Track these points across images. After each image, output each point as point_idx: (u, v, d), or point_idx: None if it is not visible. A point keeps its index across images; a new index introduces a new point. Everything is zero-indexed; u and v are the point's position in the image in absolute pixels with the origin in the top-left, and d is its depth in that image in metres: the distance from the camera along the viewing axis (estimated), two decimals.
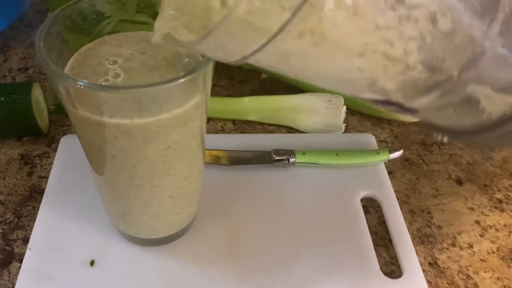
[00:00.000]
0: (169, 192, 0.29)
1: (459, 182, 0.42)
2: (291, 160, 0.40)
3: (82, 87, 0.22)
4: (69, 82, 0.22)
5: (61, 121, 0.45)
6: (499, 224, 0.38)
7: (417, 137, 0.46)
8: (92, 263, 0.33)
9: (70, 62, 0.26)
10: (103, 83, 0.25)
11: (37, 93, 0.41)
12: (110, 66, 0.26)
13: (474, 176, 0.42)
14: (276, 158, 0.40)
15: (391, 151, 0.41)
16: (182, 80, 0.22)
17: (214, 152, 0.40)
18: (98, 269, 0.33)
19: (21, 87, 0.41)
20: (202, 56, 0.25)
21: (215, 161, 0.40)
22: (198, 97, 0.25)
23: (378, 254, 0.35)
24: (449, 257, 0.36)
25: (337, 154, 0.40)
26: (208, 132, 0.45)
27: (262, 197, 0.38)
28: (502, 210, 0.40)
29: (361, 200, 0.39)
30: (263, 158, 0.40)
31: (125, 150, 0.25)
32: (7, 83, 0.47)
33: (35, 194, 0.38)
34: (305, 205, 0.38)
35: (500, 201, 0.40)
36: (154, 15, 0.32)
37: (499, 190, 0.41)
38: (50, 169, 0.39)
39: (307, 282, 0.33)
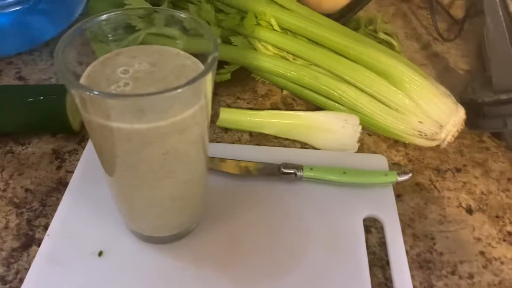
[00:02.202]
0: (170, 194, 0.32)
1: (469, 211, 0.41)
2: (298, 174, 0.41)
3: (89, 94, 0.24)
4: (77, 88, 0.25)
5: None
6: (506, 257, 0.38)
7: (432, 162, 0.45)
8: (100, 253, 0.36)
9: (88, 69, 0.29)
10: (112, 90, 0.27)
11: None
12: (122, 75, 0.28)
13: (486, 206, 0.41)
14: (284, 171, 0.41)
15: (400, 174, 0.41)
16: (179, 90, 0.25)
17: (224, 161, 0.42)
18: (105, 260, 0.35)
19: (58, 88, 0.45)
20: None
21: (225, 169, 0.42)
22: (196, 107, 0.27)
23: (373, 275, 0.36)
24: (446, 284, 0.35)
25: (344, 172, 0.41)
26: (225, 141, 0.47)
27: (266, 208, 0.40)
28: (511, 243, 0.38)
29: (365, 219, 0.39)
30: (272, 171, 0.42)
31: (126, 152, 0.28)
32: (47, 84, 0.52)
33: (61, 186, 0.42)
34: (307, 219, 0.39)
35: (510, 233, 0.39)
36: (181, 29, 0.34)
37: (511, 223, 0.40)
38: (77, 165, 0.42)
39: None
